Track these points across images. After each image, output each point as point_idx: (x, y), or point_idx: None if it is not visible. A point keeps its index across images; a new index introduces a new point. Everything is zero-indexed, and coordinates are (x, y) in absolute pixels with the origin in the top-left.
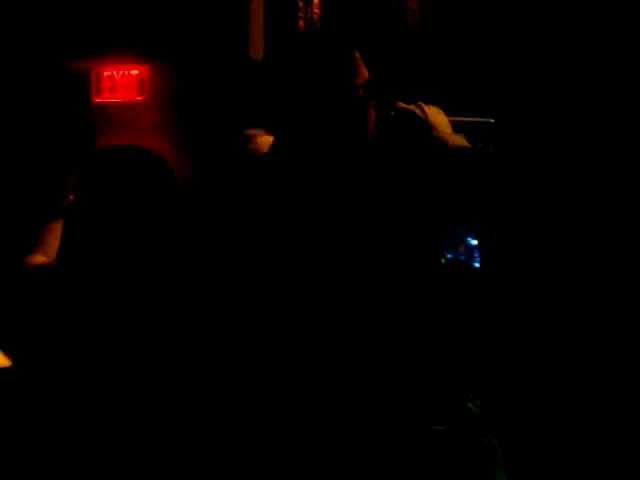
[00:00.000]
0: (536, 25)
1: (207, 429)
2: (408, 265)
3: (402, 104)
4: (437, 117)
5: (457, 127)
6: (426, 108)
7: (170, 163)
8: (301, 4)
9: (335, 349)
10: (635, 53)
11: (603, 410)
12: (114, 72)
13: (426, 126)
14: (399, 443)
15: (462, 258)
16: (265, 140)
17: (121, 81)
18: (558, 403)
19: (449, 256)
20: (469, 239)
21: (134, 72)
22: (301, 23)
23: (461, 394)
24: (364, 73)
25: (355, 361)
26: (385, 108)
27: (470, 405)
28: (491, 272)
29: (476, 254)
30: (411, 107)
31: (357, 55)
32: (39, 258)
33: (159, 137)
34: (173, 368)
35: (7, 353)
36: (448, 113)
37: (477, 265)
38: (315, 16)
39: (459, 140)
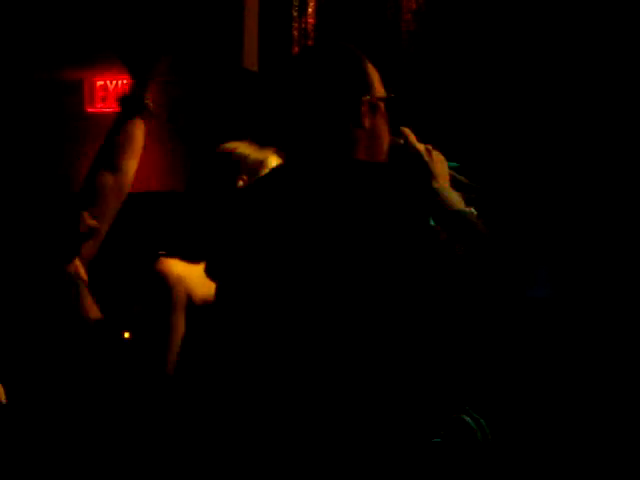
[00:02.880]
0: (531, 32)
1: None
2: (411, 276)
3: (413, 138)
4: (440, 167)
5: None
6: (434, 154)
7: (163, 173)
8: (295, 14)
9: (337, 354)
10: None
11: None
12: (107, 82)
13: (428, 174)
14: (396, 454)
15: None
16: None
17: (114, 91)
18: (556, 413)
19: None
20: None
21: (127, 82)
22: (295, 33)
23: (458, 406)
24: (381, 88)
25: (357, 368)
26: (394, 128)
27: (466, 417)
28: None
29: None
30: (421, 148)
31: (374, 69)
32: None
33: (152, 147)
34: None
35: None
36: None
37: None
38: (309, 26)
39: (455, 198)
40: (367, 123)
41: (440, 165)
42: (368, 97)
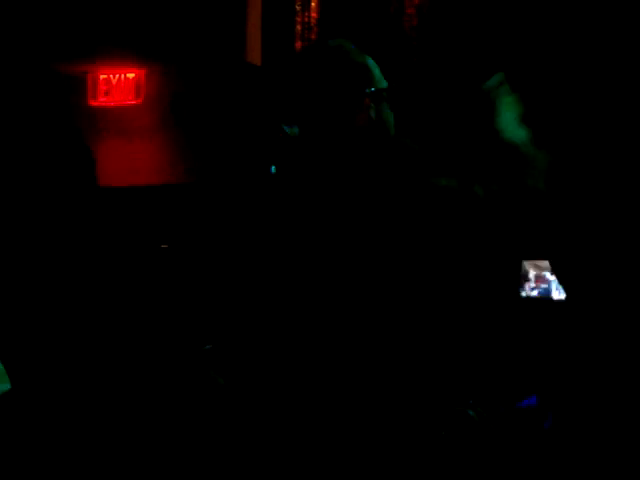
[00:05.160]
0: (533, 28)
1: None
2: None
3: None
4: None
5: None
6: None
7: (166, 166)
8: (298, 8)
9: (349, 350)
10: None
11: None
12: (110, 75)
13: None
14: (401, 447)
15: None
16: None
17: (117, 84)
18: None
19: None
20: None
21: (130, 75)
22: (298, 27)
23: (462, 400)
24: (382, 79)
25: (370, 363)
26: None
27: (471, 411)
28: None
29: None
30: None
31: (375, 63)
32: None
33: (156, 140)
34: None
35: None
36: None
37: None
38: (312, 20)
39: (450, 183)
40: (372, 113)
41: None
42: (371, 89)
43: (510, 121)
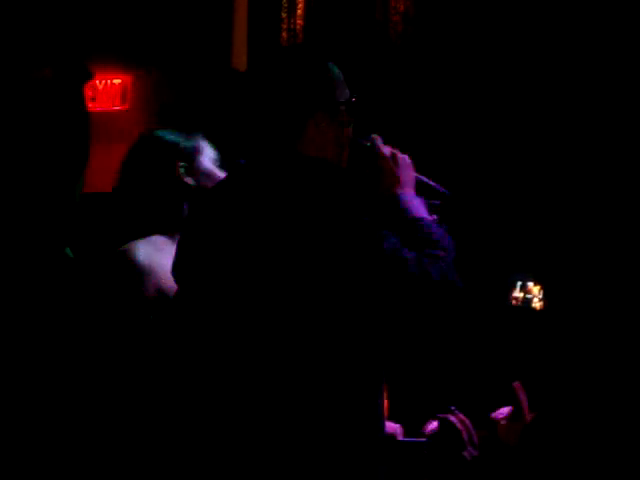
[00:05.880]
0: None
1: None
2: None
3: (380, 142)
4: (405, 173)
5: (419, 186)
6: (400, 159)
7: None
8: (284, 15)
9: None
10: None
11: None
12: (96, 81)
13: (393, 179)
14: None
15: None
16: None
17: (103, 90)
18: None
19: None
20: None
21: (116, 81)
22: (284, 34)
23: (443, 407)
24: (345, 91)
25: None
26: (363, 131)
27: (452, 418)
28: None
29: None
30: (387, 152)
31: (338, 73)
32: None
33: None
34: None
35: None
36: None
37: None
38: (298, 27)
39: (417, 205)
40: (319, 127)
41: (405, 171)
42: (337, 99)
43: None
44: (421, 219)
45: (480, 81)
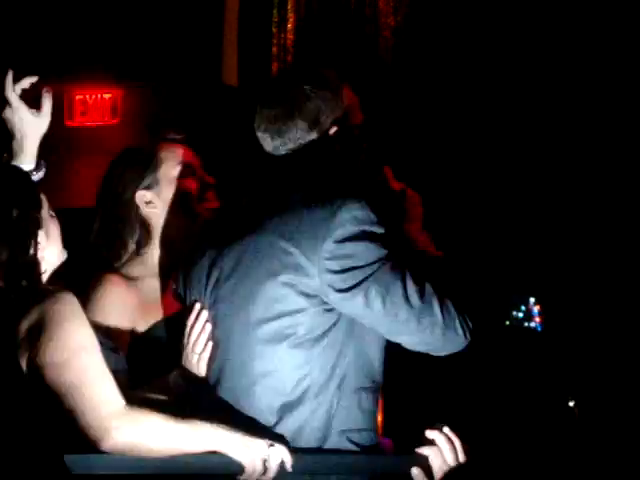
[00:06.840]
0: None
1: None
2: None
3: (391, 177)
4: (413, 208)
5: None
6: (409, 195)
7: None
8: (275, 30)
9: None
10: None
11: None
12: (87, 96)
13: (402, 214)
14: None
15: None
16: None
17: (94, 104)
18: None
19: None
20: None
21: (107, 96)
22: (274, 49)
23: (431, 421)
24: (359, 115)
25: None
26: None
27: (439, 432)
28: None
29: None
30: (397, 188)
31: (354, 96)
32: None
33: None
34: None
35: None
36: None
37: None
38: (289, 42)
39: (424, 239)
40: (337, 147)
41: (413, 206)
42: (351, 123)
43: None
44: (425, 252)
45: (472, 96)
